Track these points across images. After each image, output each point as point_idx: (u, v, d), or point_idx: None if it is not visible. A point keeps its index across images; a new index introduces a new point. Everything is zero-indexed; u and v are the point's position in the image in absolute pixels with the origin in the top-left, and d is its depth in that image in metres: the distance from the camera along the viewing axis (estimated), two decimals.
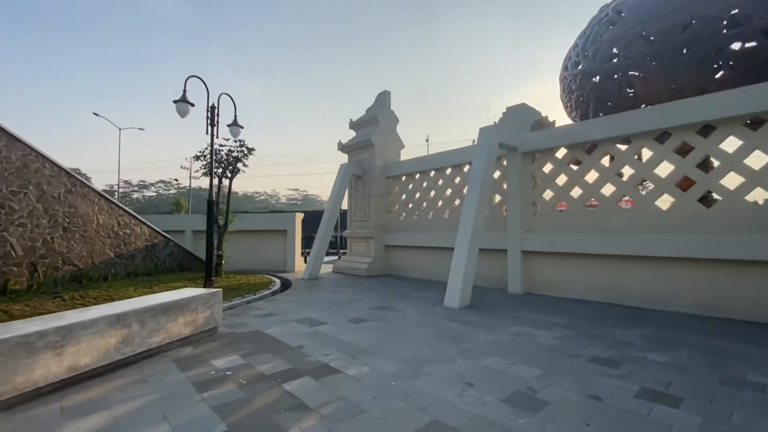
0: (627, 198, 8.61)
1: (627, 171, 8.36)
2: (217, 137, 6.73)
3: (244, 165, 11.69)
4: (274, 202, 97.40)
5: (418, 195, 12.66)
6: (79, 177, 9.38)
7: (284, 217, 14.61)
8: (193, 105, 6.11)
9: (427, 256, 12.00)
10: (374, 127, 13.54)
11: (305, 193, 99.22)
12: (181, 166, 57.93)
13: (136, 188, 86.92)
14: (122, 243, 10.53)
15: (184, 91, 6.08)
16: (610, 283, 7.99)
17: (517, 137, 9.52)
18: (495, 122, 9.84)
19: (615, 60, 9.41)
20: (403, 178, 13.23)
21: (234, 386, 3.79)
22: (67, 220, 9.15)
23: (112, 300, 7.85)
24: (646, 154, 8.15)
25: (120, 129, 39.10)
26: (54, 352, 3.63)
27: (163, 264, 11.76)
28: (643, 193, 8.36)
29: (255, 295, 8.93)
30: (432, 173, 12.27)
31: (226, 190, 11.76)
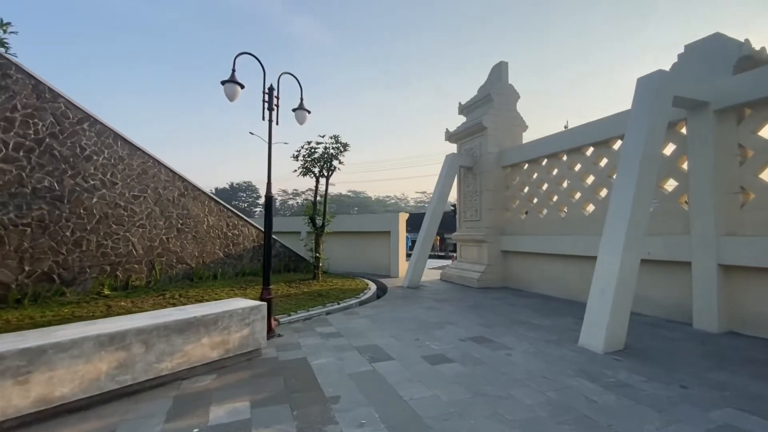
0: None
1: None
2: (277, 123, 5.79)
3: (340, 162, 10.92)
4: (403, 205, 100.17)
5: (545, 186, 9.83)
6: (190, 181, 9.98)
7: (386, 217, 13.47)
8: (243, 86, 5.30)
9: (558, 266, 9.12)
10: (487, 107, 11.22)
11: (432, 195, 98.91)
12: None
13: (291, 196, 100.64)
14: (231, 243, 10.93)
15: (233, 70, 5.28)
16: None
17: (707, 87, 6.10)
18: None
19: None
20: (525, 166, 10.53)
21: None
22: (180, 221, 9.78)
23: (203, 300, 7.79)
24: None
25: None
26: (15, 380, 2.93)
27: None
28: None
29: (338, 304, 7.85)
30: (564, 157, 9.32)
31: (324, 189, 11.20)
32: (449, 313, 7.19)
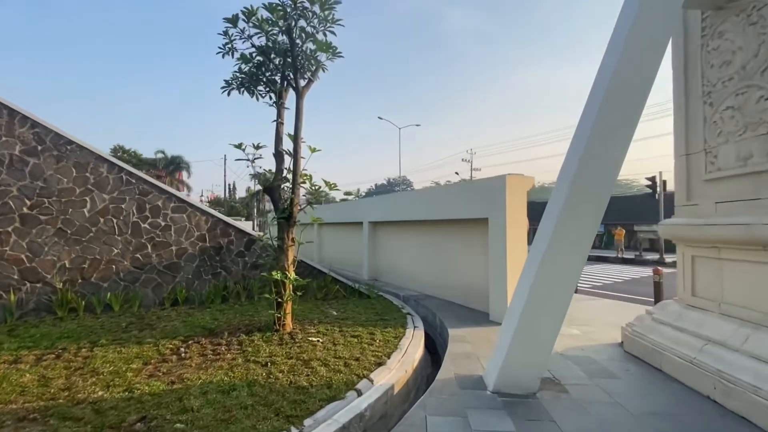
0: None
1: None
2: None
3: (332, 51, 4.42)
4: (629, 192, 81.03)
5: None
6: (52, 127, 5.28)
7: (476, 190, 6.09)
8: None
9: None
10: None
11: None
12: (462, 159, 56.52)
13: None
14: (150, 244, 5.90)
15: None
16: None
17: None
18: None
19: None
20: None
21: None
22: (28, 202, 5.23)
23: None
24: None
25: (399, 128, 41.35)
26: None
27: (240, 282, 6.39)
28: None
29: None
30: None
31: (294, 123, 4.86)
32: None
